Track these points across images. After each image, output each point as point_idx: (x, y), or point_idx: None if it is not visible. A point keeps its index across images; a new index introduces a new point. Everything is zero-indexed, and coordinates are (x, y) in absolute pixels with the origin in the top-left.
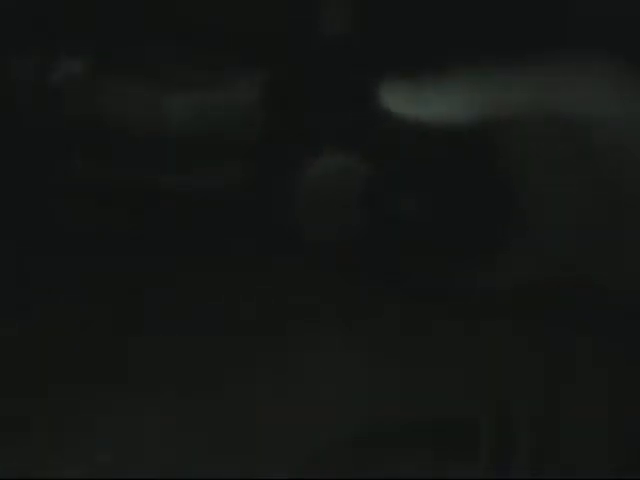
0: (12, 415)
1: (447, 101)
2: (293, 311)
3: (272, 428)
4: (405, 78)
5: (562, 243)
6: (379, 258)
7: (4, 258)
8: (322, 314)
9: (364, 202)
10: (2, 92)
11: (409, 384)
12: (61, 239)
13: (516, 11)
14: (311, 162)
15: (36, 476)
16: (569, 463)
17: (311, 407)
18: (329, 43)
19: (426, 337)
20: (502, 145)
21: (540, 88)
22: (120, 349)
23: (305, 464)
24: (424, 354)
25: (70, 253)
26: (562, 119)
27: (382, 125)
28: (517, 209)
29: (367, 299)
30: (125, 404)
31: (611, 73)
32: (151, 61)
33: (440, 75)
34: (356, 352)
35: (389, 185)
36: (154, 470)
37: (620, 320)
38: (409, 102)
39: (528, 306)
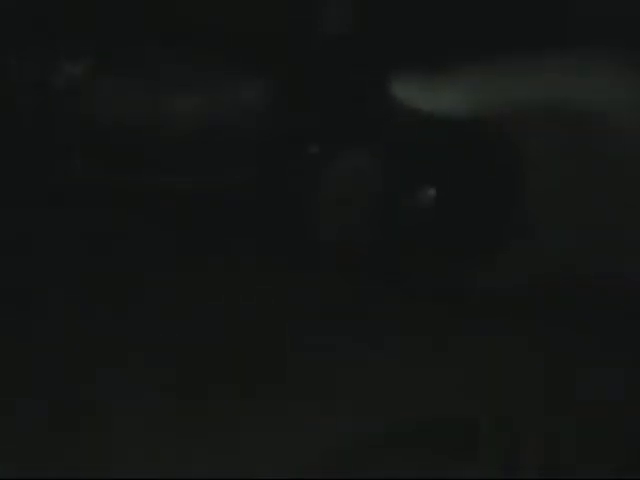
0: None
1: (454, 97)
2: (297, 309)
3: (273, 429)
4: (412, 75)
5: (575, 240)
6: (393, 257)
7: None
8: (326, 312)
9: (377, 200)
10: (4, 93)
11: (409, 384)
12: (65, 239)
13: (520, 6)
14: (322, 162)
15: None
16: (569, 463)
17: (313, 408)
18: (334, 40)
19: (429, 337)
20: (512, 140)
21: (549, 83)
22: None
23: (306, 464)
24: (428, 354)
25: (76, 254)
26: (570, 114)
27: (391, 122)
28: (527, 206)
29: (383, 299)
30: None
31: (617, 70)
32: (153, 62)
33: (448, 71)
34: (359, 351)
35: (401, 182)
36: None
37: (621, 320)
38: (417, 99)
39: (533, 306)
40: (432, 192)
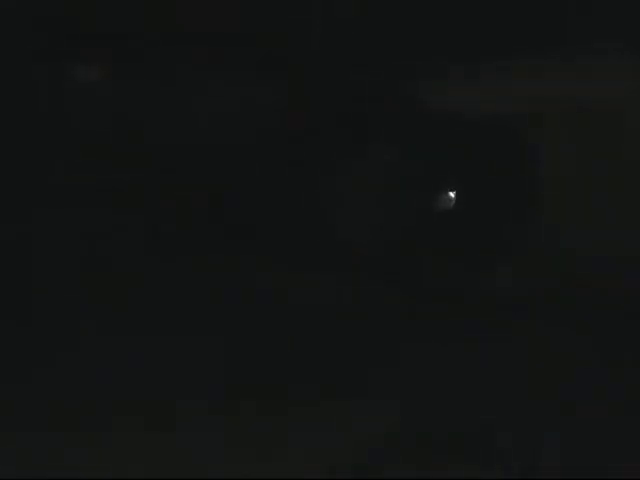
0: None
1: (465, 98)
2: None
3: (273, 430)
4: (437, 72)
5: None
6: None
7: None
8: (335, 312)
9: (385, 201)
10: (4, 93)
11: (409, 384)
12: (65, 239)
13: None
14: (330, 164)
15: None
16: (569, 462)
17: (318, 409)
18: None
19: (429, 337)
20: (533, 137)
21: (572, 81)
22: None
23: (307, 465)
24: (428, 354)
25: (76, 254)
26: (593, 112)
27: (403, 122)
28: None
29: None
30: None
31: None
32: (153, 63)
33: (475, 69)
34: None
35: (405, 183)
36: None
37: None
38: (430, 100)
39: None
40: (436, 193)
